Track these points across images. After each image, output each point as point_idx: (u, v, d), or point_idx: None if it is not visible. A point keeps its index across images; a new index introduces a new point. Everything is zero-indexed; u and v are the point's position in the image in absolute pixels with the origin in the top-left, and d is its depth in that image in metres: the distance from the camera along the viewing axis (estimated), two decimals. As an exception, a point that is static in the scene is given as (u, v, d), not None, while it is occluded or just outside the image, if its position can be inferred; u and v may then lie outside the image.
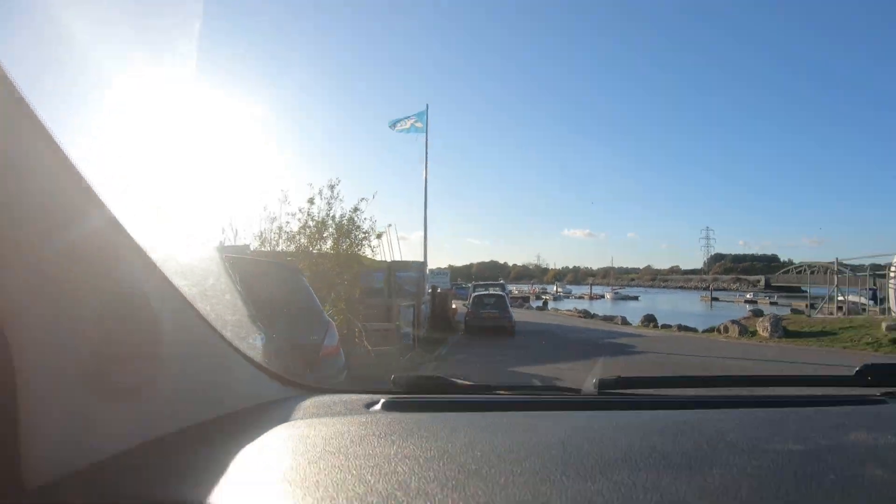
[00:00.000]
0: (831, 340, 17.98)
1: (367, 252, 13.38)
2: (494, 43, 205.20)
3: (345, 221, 12.73)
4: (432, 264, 42.28)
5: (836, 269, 27.28)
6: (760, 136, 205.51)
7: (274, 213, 12.55)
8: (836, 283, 26.31)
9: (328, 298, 11.89)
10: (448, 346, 18.30)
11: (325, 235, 12.68)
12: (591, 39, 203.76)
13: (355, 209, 12.81)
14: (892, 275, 22.90)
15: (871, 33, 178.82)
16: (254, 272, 4.97)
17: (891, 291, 23.01)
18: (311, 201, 12.43)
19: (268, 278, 5.03)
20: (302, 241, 12.52)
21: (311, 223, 12.48)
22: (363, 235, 12.95)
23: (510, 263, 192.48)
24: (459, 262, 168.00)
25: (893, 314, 21.33)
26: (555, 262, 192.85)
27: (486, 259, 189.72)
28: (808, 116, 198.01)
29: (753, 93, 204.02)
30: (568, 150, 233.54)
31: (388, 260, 21.30)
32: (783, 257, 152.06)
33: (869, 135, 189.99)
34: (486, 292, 26.90)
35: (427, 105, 25.97)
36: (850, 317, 22.20)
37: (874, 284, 27.83)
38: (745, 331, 20.79)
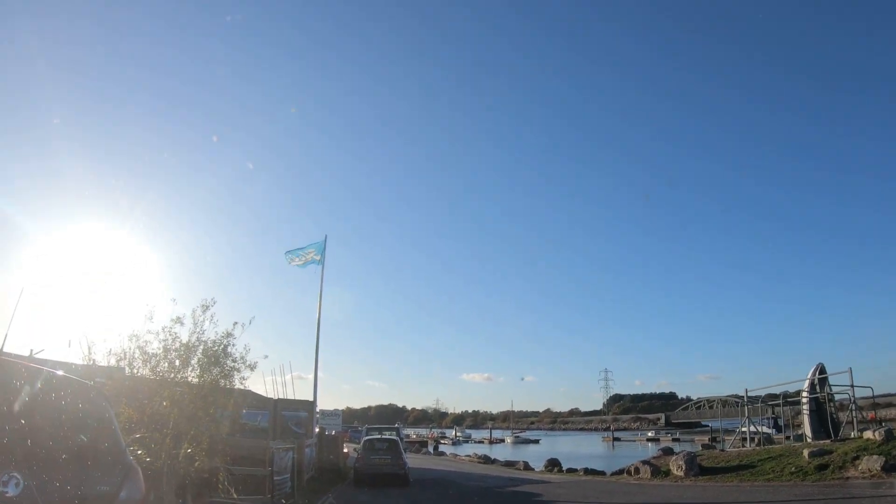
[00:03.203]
0: (752, 474, 16.99)
1: (237, 384, 11.63)
2: (394, 178, 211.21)
3: (217, 348, 11.08)
4: (329, 405, 39.68)
5: (745, 400, 27.53)
6: (652, 279, 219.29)
7: (136, 332, 10.56)
8: (747, 413, 26.31)
9: (187, 435, 10.01)
10: (332, 497, 16.13)
11: (192, 362, 10.94)
12: (490, 156, 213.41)
13: (228, 334, 11.19)
14: (804, 401, 22.74)
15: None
16: (31, 387, 3.49)
17: (805, 418, 22.73)
18: (177, 321, 10.76)
19: (53, 399, 3.57)
20: (164, 365, 10.69)
21: (175, 346, 10.72)
22: (233, 365, 11.26)
23: (409, 407, 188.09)
24: (358, 405, 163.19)
25: (809, 440, 20.95)
26: (454, 406, 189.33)
27: (385, 402, 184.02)
28: (695, 257, 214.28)
29: (640, 241, 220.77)
30: (464, 295, 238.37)
31: (276, 398, 19.55)
32: (681, 394, 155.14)
33: (755, 275, 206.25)
34: (379, 437, 25.02)
35: (326, 236, 24.56)
36: (766, 447, 21.60)
37: (773, 413, 28.25)
38: (658, 471, 19.62)
